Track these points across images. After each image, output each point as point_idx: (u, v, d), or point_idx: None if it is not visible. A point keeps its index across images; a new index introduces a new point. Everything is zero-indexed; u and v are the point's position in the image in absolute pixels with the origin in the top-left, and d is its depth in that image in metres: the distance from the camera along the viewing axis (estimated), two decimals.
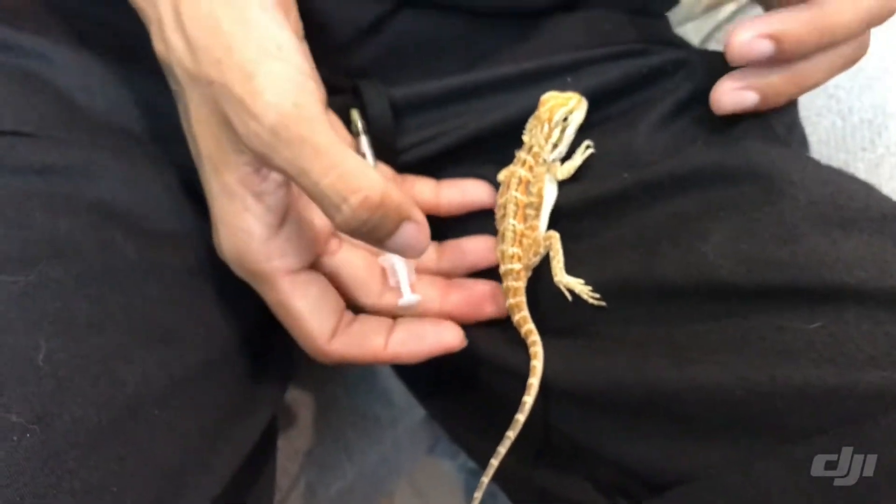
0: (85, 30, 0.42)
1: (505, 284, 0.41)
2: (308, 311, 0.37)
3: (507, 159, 0.43)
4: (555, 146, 0.42)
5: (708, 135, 0.40)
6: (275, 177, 0.35)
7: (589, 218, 0.41)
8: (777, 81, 0.37)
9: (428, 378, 0.53)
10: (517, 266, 0.41)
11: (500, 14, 0.45)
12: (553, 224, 0.42)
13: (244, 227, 0.35)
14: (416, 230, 0.33)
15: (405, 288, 0.41)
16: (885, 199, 0.36)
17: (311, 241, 0.38)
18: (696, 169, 0.38)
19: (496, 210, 0.42)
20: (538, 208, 0.41)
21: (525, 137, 0.42)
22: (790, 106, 0.45)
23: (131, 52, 0.41)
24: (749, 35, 0.35)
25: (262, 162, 0.33)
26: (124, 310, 0.36)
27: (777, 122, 0.42)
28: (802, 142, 0.48)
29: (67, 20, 0.42)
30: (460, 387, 0.49)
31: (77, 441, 0.31)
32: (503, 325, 0.42)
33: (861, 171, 0.58)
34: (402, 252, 0.34)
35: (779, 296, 0.34)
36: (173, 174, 0.42)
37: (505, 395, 0.43)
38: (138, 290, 0.37)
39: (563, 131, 0.41)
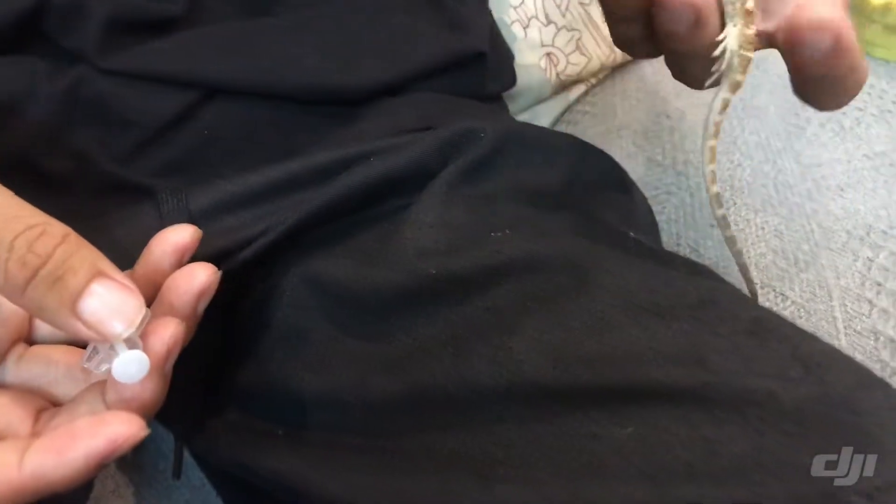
0: None
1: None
2: None
3: (336, 245, 0.39)
4: None
5: (514, 221, 0.37)
6: None
7: (399, 315, 0.36)
8: None
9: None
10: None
11: (321, 101, 0.42)
12: (358, 321, 0.37)
13: None
14: (120, 290, 0.25)
15: (119, 347, 0.26)
16: (704, 285, 0.33)
17: None
18: (508, 260, 0.35)
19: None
20: None
21: None
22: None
23: None
24: None
25: None
26: None
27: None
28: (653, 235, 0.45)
29: None
30: None
31: None
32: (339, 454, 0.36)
33: (711, 248, 0.56)
34: (99, 325, 0.25)
35: (590, 396, 0.30)
36: None
37: None
38: None
39: None
